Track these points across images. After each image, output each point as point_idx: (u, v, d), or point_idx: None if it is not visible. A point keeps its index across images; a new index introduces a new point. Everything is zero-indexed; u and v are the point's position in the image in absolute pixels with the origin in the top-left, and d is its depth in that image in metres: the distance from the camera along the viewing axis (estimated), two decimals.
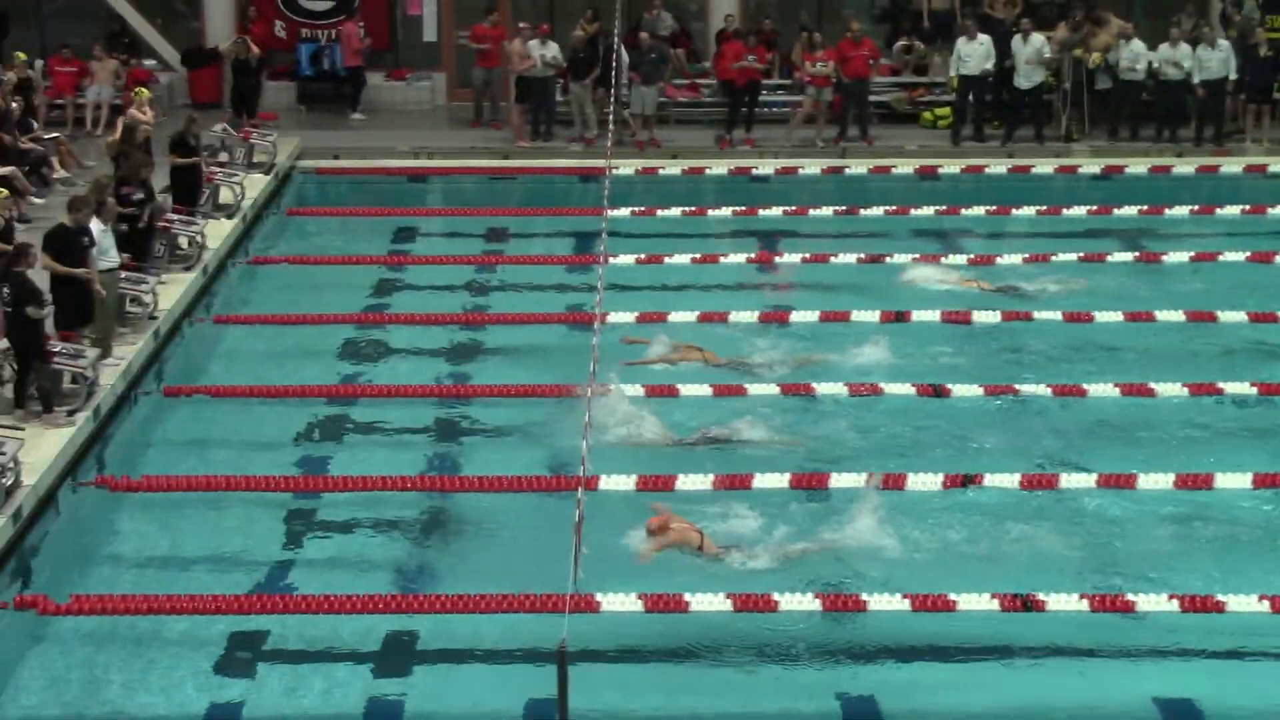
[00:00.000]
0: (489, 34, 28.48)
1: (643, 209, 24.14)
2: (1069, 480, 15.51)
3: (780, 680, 12.81)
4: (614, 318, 18.93)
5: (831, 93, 27.82)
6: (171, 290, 20.01)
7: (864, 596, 13.42)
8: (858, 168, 26.78)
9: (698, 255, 22.19)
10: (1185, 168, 26.73)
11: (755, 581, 13.67)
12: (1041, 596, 13.27)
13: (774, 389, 17.50)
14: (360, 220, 24.93)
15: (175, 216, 21.37)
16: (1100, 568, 14.23)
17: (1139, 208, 24.33)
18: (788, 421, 16.94)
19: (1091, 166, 26.89)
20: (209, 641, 13.24)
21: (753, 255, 22.60)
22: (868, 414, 17.15)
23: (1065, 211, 24.26)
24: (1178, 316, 19.61)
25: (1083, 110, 27.78)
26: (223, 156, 25.07)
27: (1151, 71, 27.48)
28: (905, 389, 17.42)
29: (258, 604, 13.60)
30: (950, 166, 26.82)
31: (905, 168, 26.79)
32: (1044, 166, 26.79)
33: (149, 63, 30.22)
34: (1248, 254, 22.10)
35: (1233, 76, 27.33)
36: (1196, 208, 24.54)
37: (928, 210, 24.31)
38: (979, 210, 24.42)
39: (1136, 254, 22.32)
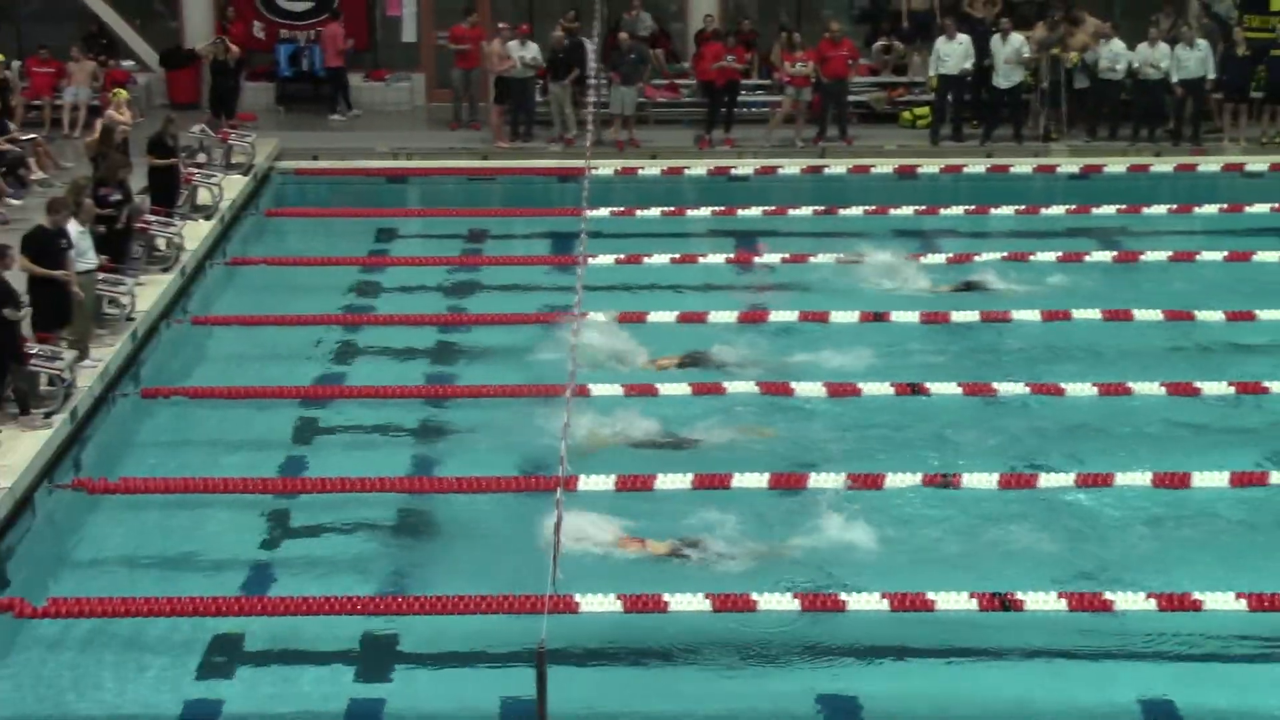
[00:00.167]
0: (468, 35, 28.44)
1: (622, 209, 24.14)
2: (1047, 479, 15.54)
3: (759, 680, 12.81)
4: (593, 318, 18.92)
5: (810, 93, 27.87)
6: (149, 291, 19.95)
7: (843, 596, 13.43)
8: (837, 167, 26.83)
9: (677, 255, 22.20)
10: (1163, 167, 26.82)
11: (734, 582, 13.67)
12: (1020, 595, 13.29)
13: (752, 387, 17.51)
14: (339, 221, 24.89)
15: (153, 218, 21.32)
16: (1078, 566, 14.24)
17: (1117, 207, 24.37)
18: (767, 422, 16.94)
19: (1070, 166, 26.97)
20: (187, 644, 13.18)
21: (732, 255, 22.61)
22: (846, 413, 17.15)
23: (1044, 211, 24.32)
24: (1156, 315, 19.67)
25: (1061, 110, 27.84)
26: (201, 157, 24.97)
27: (1130, 71, 27.54)
28: (884, 388, 17.44)
29: (236, 606, 13.55)
30: (929, 166, 26.86)
31: (884, 167, 26.83)
32: (1023, 166, 26.84)
33: (127, 63, 30.15)
34: (1226, 253, 22.17)
35: (1210, 76, 27.42)
36: (1175, 207, 24.63)
37: (907, 210, 24.35)
38: (958, 210, 24.47)
39: (1115, 253, 22.37)
